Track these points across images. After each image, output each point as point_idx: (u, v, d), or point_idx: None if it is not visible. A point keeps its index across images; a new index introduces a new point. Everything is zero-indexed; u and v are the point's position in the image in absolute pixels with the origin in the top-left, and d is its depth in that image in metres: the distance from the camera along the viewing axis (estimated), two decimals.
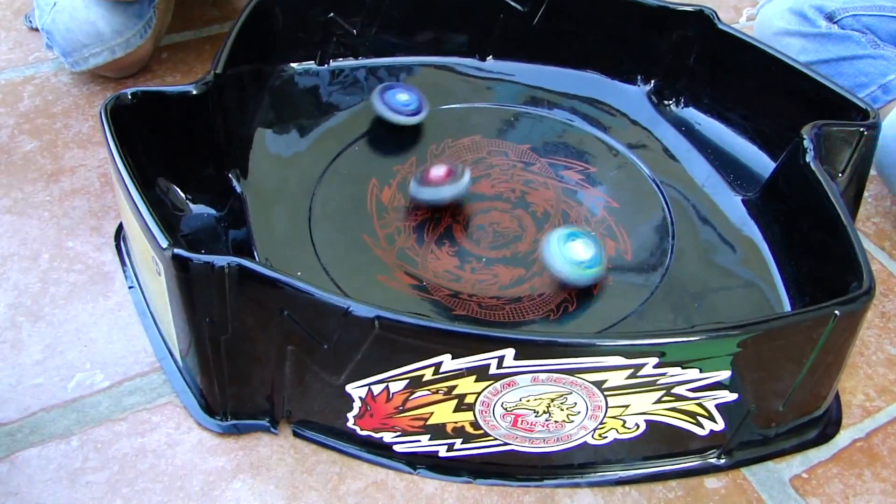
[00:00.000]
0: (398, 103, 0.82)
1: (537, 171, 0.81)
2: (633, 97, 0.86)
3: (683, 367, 0.54)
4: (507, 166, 0.81)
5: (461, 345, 0.52)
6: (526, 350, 0.52)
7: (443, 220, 0.76)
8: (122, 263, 0.75)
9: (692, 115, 0.85)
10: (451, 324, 0.52)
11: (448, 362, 0.53)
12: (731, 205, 0.77)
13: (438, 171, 0.75)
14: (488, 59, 0.89)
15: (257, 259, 0.69)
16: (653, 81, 0.87)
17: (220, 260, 0.55)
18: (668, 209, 0.77)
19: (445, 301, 0.69)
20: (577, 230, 0.71)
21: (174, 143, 0.71)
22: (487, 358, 0.52)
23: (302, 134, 0.81)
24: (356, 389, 0.57)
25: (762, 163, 0.79)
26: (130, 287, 0.73)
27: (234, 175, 0.74)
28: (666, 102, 0.86)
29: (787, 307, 0.68)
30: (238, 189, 0.73)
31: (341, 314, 0.53)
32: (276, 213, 0.74)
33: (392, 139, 0.82)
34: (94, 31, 0.87)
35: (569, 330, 0.67)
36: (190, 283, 0.57)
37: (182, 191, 0.72)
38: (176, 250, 0.56)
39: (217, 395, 0.63)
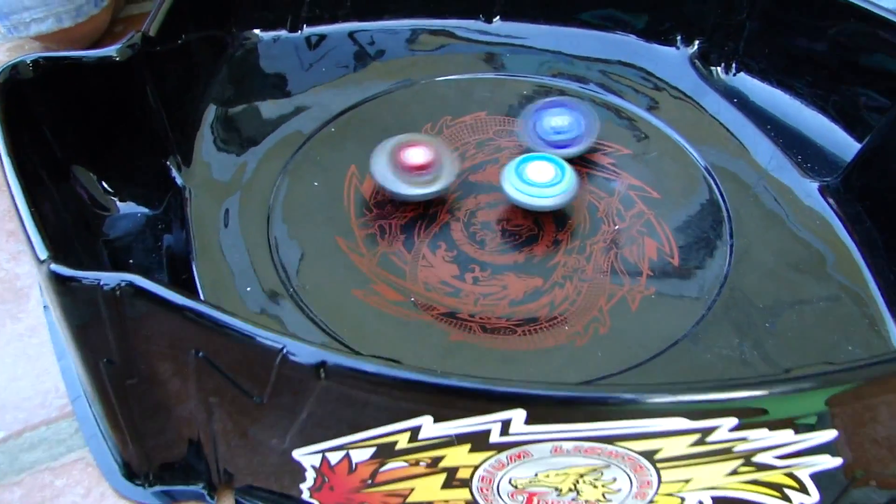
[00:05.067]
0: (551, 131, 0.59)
1: None
2: (672, 62, 0.67)
3: (773, 429, 0.36)
4: (518, 150, 0.62)
5: (445, 404, 0.34)
6: (542, 412, 0.33)
7: (438, 216, 0.58)
8: None
9: (745, 83, 0.66)
10: (429, 374, 0.34)
11: (429, 427, 0.35)
12: (805, 193, 0.58)
13: (416, 156, 0.56)
14: (495, 20, 0.70)
15: (196, 272, 0.51)
16: (696, 43, 0.67)
17: (111, 279, 0.37)
18: (724, 199, 0.58)
19: (439, 323, 0.51)
20: (539, 154, 0.58)
21: (95, 124, 0.53)
22: (485, 422, 0.34)
23: (266, 113, 0.63)
24: (307, 457, 0.39)
25: (839, 141, 0.60)
26: (46, 307, 0.55)
27: (175, 163, 0.56)
28: (713, 68, 0.67)
29: (892, 326, 0.50)
30: (179, 181, 0.56)
31: (273, 358, 0.35)
32: (227, 212, 0.56)
33: (378, 118, 0.63)
34: None
35: (601, 360, 0.49)
36: (77, 311, 0.39)
37: (107, 184, 0.54)
38: (53, 266, 0.38)
39: (135, 454, 0.45)
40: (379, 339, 0.50)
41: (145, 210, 0.54)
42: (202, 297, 0.50)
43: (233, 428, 0.41)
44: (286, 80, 0.65)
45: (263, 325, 0.35)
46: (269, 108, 0.63)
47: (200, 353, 0.37)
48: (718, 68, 0.66)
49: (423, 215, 0.58)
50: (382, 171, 0.55)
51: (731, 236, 0.56)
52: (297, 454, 0.39)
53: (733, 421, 0.34)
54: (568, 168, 0.56)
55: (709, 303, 0.52)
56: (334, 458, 0.39)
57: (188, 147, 0.57)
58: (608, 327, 0.51)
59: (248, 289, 0.51)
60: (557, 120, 0.59)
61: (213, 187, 0.56)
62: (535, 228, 0.57)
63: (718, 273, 0.54)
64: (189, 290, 0.50)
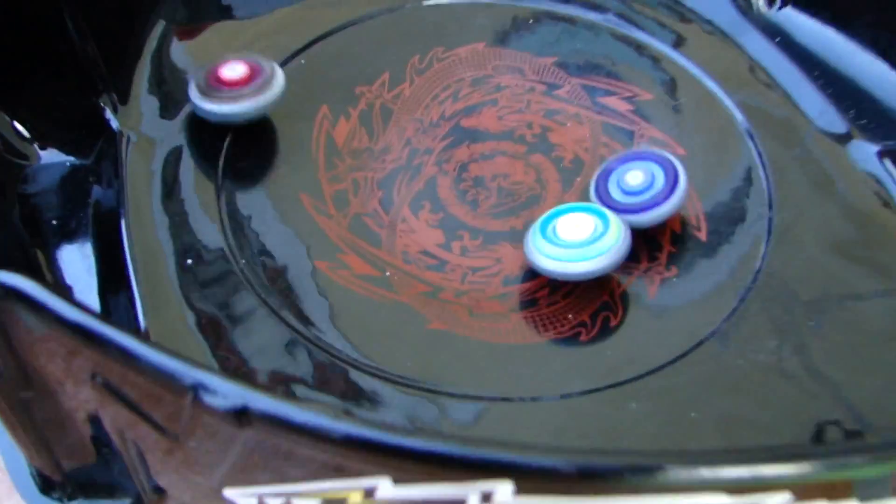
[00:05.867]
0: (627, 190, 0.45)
1: (566, 96, 0.52)
2: None
3: (833, 499, 0.27)
4: (521, 89, 0.52)
5: (407, 469, 0.26)
6: (535, 484, 0.25)
7: (423, 169, 0.48)
8: None
9: (791, 19, 0.55)
10: (384, 431, 0.25)
11: (387, 488, 0.27)
12: (861, 158, 0.48)
13: (233, 70, 0.46)
14: None
15: (125, 238, 0.42)
16: None
17: None
18: (762, 161, 0.49)
19: (418, 305, 0.43)
20: (572, 205, 0.44)
21: (7, 53, 0.44)
22: (461, 491, 0.26)
23: (223, 41, 0.52)
24: (242, 499, 0.31)
25: None
26: None
27: (109, 102, 0.47)
28: (754, 0, 0.56)
29: None
30: (114, 124, 0.46)
31: (184, 397, 0.26)
32: (170, 162, 0.46)
33: (357, 48, 0.53)
34: None
35: (610, 361, 0.41)
36: None
37: (24, 127, 0.45)
38: None
39: (47, 466, 0.37)
40: (343, 326, 0.41)
41: (72, 159, 0.45)
42: (131, 270, 0.41)
43: (152, 453, 0.33)
44: (249, 1, 0.55)
45: (174, 350, 0.26)
46: (227, 35, 0.52)
47: (98, 378, 0.28)
48: (760, 1, 0.56)
49: (406, 167, 0.48)
50: (193, 90, 0.46)
51: (770, 207, 0.47)
52: (230, 494, 0.31)
53: (786, 497, 0.26)
54: (613, 219, 0.43)
55: (741, 292, 0.43)
56: (273, 503, 0.30)
57: (125, 83, 0.48)
58: (620, 317, 0.42)
59: (189, 261, 0.42)
60: (631, 177, 0.44)
61: (155, 131, 0.47)
62: (538, 187, 0.48)
63: (754, 254, 0.45)
64: (117, 260, 0.42)
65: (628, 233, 0.43)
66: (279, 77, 0.47)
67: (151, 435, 0.30)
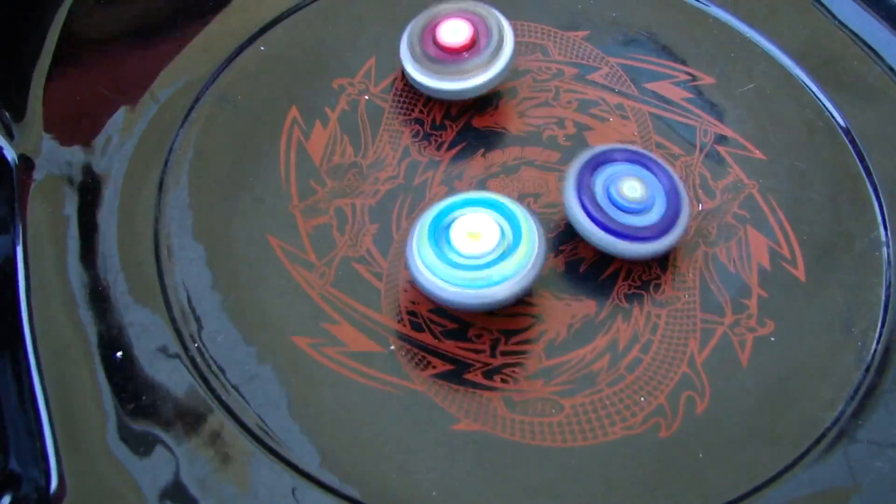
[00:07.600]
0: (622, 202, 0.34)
1: (604, 81, 0.40)
2: None
3: None
4: (546, 75, 0.41)
5: None
6: None
7: (428, 189, 0.37)
8: None
9: None
10: None
11: None
12: None
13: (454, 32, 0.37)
14: None
15: (25, 318, 0.30)
16: None
17: None
18: (867, 168, 0.38)
19: (435, 394, 0.31)
20: (467, 197, 0.33)
21: None
22: None
23: (156, 29, 0.40)
24: None
25: None
26: None
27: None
28: None
29: None
30: (7, 152, 0.34)
31: None
32: (88, 200, 0.34)
33: (331, 27, 0.41)
34: None
35: (704, 470, 0.30)
36: None
37: None
38: None
39: None
40: (336, 438, 0.30)
41: None
42: (33, 366, 0.29)
43: None
44: None
45: None
46: (160, 21, 0.40)
47: None
48: None
49: (405, 187, 0.37)
50: (408, 58, 0.38)
51: (886, 230, 0.36)
52: None
53: None
54: (527, 224, 0.32)
55: (866, 357, 0.32)
56: None
57: (22, 93, 0.35)
58: (708, 399, 0.32)
59: (118, 354, 0.30)
60: (629, 186, 0.34)
61: (64, 161, 0.34)
62: None
63: (872, 298, 0.34)
64: (13, 347, 0.30)
65: (542, 246, 0.32)
66: (509, 38, 0.38)
67: None
